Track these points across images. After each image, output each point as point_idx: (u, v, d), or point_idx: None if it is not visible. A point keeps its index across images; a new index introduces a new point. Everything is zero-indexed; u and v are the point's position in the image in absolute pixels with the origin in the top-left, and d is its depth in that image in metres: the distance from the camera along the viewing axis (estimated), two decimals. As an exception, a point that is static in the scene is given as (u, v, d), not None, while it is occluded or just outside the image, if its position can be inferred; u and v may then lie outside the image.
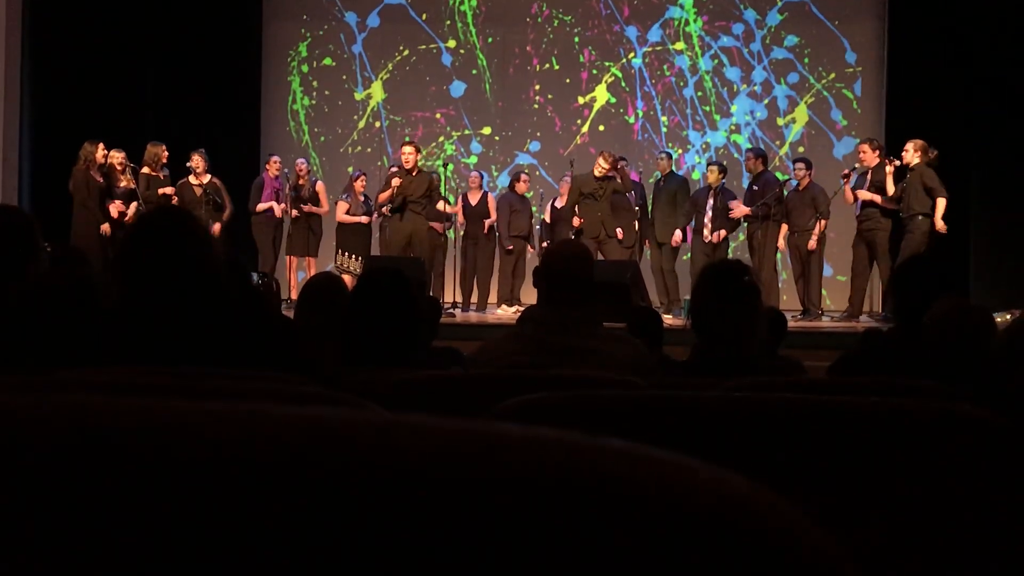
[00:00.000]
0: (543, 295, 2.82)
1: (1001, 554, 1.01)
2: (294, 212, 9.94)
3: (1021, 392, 1.29)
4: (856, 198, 8.98)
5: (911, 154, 8.61)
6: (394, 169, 9.66)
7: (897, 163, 8.72)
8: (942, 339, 2.65)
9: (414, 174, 9.41)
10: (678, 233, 9.61)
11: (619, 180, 9.41)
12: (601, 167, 9.33)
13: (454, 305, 9.99)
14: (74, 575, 0.39)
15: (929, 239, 8.45)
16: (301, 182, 10.01)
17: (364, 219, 9.83)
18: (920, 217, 8.48)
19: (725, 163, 10.18)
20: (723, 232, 9.39)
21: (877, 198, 8.76)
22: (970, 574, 1.02)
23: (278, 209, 9.93)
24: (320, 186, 10.23)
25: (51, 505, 0.39)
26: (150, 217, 2.42)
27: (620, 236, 9.40)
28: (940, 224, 8.48)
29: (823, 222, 9.18)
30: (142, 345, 1.98)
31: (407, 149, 9.45)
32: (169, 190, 9.55)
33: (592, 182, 9.39)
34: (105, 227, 9.04)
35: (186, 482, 0.39)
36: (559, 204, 9.92)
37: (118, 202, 9.28)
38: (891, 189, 8.73)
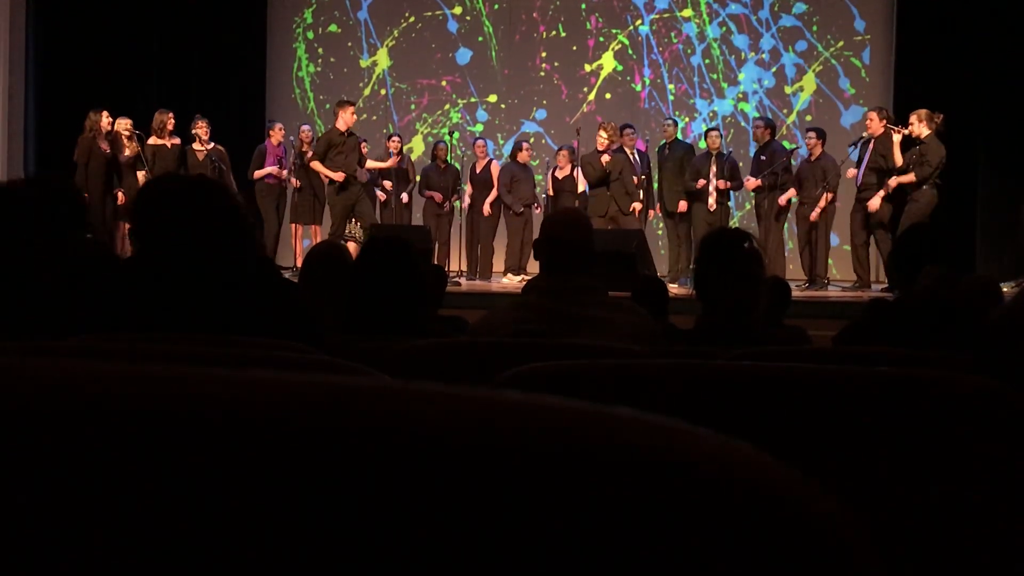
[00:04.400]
0: (544, 265, 2.81)
1: (1012, 525, 1.02)
2: (296, 181, 9.92)
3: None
4: (859, 168, 8.93)
5: (917, 126, 8.57)
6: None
7: (905, 132, 8.67)
8: (934, 308, 2.65)
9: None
10: (683, 203, 9.60)
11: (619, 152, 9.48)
12: (601, 139, 9.41)
13: (460, 274, 9.99)
14: (79, 543, 0.39)
15: (932, 209, 8.44)
16: (305, 149, 9.99)
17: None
18: (924, 186, 8.47)
19: (732, 131, 10.12)
20: (729, 184, 9.41)
21: (902, 179, 8.70)
22: (980, 546, 1.02)
23: (276, 170, 9.91)
24: None
25: (57, 467, 0.40)
26: (166, 182, 2.39)
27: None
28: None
29: (828, 194, 9.14)
30: (151, 311, 1.98)
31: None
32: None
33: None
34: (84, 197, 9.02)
35: (194, 447, 0.39)
36: (560, 175, 9.89)
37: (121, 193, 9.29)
38: (899, 159, 8.67)
